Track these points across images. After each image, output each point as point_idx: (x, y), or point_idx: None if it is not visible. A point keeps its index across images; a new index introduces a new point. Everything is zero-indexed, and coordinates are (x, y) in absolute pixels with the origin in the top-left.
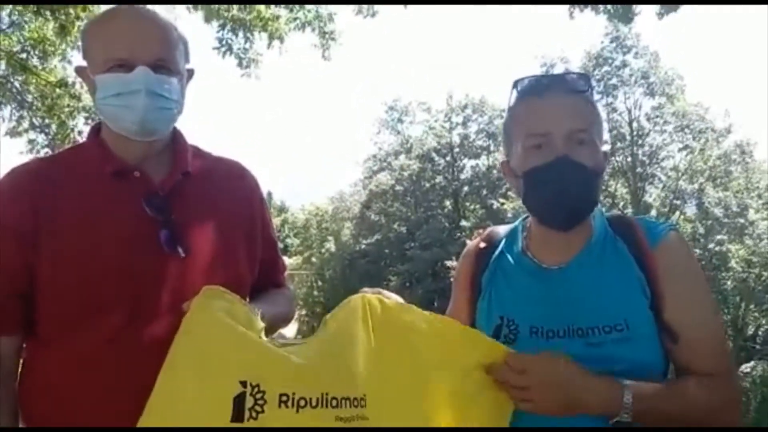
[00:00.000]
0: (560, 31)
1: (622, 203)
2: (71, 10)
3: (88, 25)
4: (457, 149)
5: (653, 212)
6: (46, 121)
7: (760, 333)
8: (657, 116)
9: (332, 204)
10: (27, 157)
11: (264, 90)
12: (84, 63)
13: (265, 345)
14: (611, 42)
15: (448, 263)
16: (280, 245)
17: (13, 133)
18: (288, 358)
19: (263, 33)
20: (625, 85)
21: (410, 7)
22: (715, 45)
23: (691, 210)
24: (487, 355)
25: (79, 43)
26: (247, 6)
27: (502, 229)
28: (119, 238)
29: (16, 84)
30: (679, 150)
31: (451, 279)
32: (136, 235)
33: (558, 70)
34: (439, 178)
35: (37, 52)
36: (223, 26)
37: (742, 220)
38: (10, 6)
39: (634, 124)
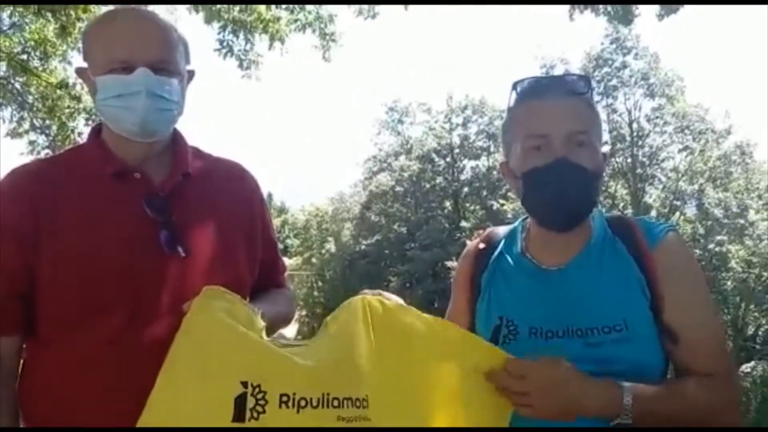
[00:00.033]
0: (560, 32)
1: (622, 204)
2: (72, 12)
3: (89, 26)
4: (457, 150)
5: (653, 213)
6: (47, 122)
7: (760, 333)
8: (657, 117)
9: (332, 205)
10: (27, 159)
11: (264, 91)
12: (84, 64)
13: (266, 345)
14: (611, 43)
15: (448, 264)
16: (280, 246)
17: (13, 134)
18: (289, 359)
19: (264, 35)
20: (625, 86)
21: (410, 8)
22: (715, 46)
23: (691, 211)
24: (486, 358)
25: (80, 45)
26: (248, 7)
27: (501, 230)
28: (119, 239)
29: (17, 85)
30: (679, 151)
31: (451, 280)
32: (137, 236)
33: (558, 71)
34: (439, 179)
35: (37, 54)
36: (224, 28)
37: (742, 221)
38: (11, 7)
39: (634, 125)
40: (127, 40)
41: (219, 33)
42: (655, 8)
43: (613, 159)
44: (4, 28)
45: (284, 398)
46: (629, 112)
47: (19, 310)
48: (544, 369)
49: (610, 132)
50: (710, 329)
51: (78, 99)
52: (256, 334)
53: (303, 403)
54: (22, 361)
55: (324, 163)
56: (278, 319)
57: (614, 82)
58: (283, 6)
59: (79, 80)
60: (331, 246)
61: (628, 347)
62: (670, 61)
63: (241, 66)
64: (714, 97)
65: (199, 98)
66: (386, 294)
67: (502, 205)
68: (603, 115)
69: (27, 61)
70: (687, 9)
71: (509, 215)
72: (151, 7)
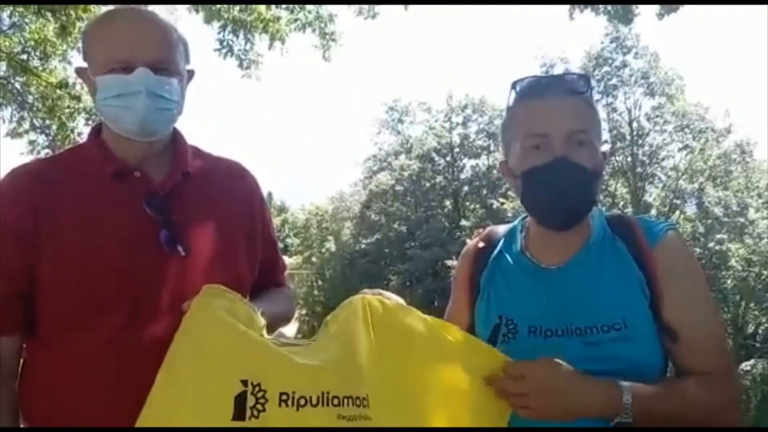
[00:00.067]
0: (560, 31)
1: (622, 203)
2: (72, 11)
3: (89, 26)
4: (457, 149)
5: (653, 212)
6: (47, 122)
7: (760, 331)
8: (657, 116)
9: (332, 204)
10: (27, 158)
11: (264, 90)
12: (84, 64)
13: (266, 344)
14: (611, 42)
15: (449, 263)
16: (280, 245)
17: (13, 134)
18: (288, 357)
19: (264, 34)
20: (625, 85)
21: (410, 7)
22: (715, 45)
23: (691, 209)
24: (485, 360)
25: (80, 44)
26: (248, 7)
27: (501, 229)
28: (119, 239)
29: (17, 85)
30: (679, 150)
31: (451, 278)
32: (137, 236)
33: (558, 70)
34: (439, 178)
35: (37, 53)
36: (223, 27)
37: (742, 220)
38: (11, 7)
39: (634, 124)
40: (127, 40)
41: (219, 33)
42: (654, 7)
43: (613, 158)
44: (4, 27)
45: (284, 397)
46: (629, 111)
47: (19, 309)
48: (542, 370)
49: (610, 131)
50: (710, 328)
51: (78, 99)
52: (257, 333)
53: (302, 401)
54: (22, 361)
55: (324, 162)
56: (278, 317)
57: (614, 81)
58: (283, 5)
59: (79, 80)
60: (331, 245)
61: (627, 346)
62: (670, 60)
63: (241, 66)
64: (714, 96)
65: (200, 98)
66: (386, 293)
67: (502, 204)
68: (603, 114)
69: (27, 60)
70: (687, 8)
71: (509, 214)
72: (151, 7)
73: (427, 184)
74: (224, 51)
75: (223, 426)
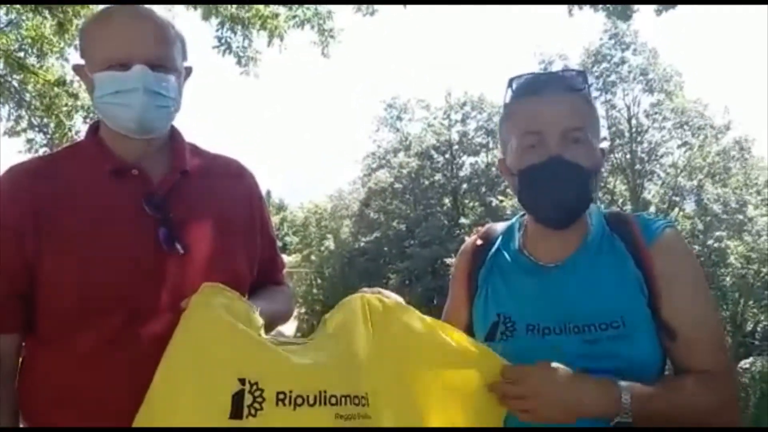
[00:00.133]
0: (559, 28)
1: (621, 200)
2: (69, 9)
3: (86, 23)
4: (456, 146)
5: (652, 209)
6: (45, 120)
7: (758, 329)
8: (656, 113)
9: (331, 202)
10: (25, 156)
11: (263, 87)
12: (82, 61)
13: (264, 343)
14: (610, 39)
15: (448, 261)
16: (279, 243)
17: (11, 132)
18: (286, 357)
19: (262, 31)
20: (624, 81)
21: (410, 5)
22: (714, 41)
23: (690, 206)
24: (483, 361)
25: (77, 42)
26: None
27: (499, 227)
28: (118, 237)
29: (14, 83)
30: (678, 147)
31: (450, 276)
32: (135, 234)
33: (557, 67)
34: (438, 176)
35: (35, 51)
36: (222, 24)
37: (740, 217)
38: (8, 4)
39: (633, 121)
40: (125, 38)
41: (217, 30)
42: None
43: (611, 155)
44: (1, 25)
45: (281, 396)
46: (628, 108)
47: (19, 308)
48: (540, 372)
49: (609, 128)
50: (709, 326)
51: (75, 96)
52: (255, 332)
53: (299, 401)
54: (21, 360)
55: (323, 160)
56: (277, 316)
57: (613, 77)
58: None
59: (77, 77)
60: (330, 243)
61: (625, 344)
62: (669, 57)
63: (239, 63)
64: (713, 93)
65: (198, 95)
66: (385, 292)
67: (501, 201)
68: (602, 111)
69: (24, 58)
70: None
71: (508, 212)
72: (147, 5)
73: (426, 182)
74: (222, 48)
75: (220, 425)
